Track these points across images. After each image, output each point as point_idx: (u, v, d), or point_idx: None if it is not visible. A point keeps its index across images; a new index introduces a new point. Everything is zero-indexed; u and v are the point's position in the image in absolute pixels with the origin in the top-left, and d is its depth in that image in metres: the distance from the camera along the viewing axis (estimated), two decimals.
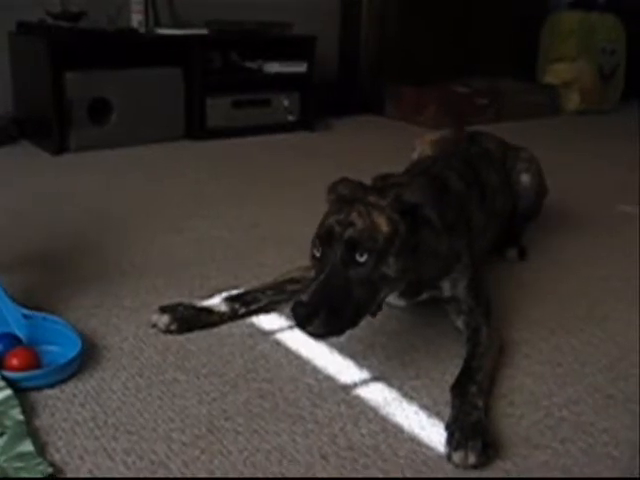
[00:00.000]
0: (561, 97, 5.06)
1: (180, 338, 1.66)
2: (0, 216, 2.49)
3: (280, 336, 1.70)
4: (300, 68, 4.10)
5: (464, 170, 1.93)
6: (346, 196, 1.55)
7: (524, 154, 2.30)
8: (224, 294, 1.82)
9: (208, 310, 1.75)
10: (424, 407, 1.43)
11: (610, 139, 4.29)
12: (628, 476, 1.28)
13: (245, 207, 2.67)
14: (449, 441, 1.31)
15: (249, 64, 4.07)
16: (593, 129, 4.64)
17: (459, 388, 1.43)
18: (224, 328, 1.72)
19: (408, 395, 1.47)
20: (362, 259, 1.43)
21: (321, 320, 1.38)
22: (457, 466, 1.27)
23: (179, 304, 1.75)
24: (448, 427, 1.34)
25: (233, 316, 1.77)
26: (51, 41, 3.33)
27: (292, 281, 1.87)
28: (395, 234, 1.46)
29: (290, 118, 4.12)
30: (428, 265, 1.61)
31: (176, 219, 2.51)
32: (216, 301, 1.79)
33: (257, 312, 1.81)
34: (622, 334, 1.77)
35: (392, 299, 1.63)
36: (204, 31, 3.83)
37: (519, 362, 1.61)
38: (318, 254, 1.47)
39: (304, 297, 1.40)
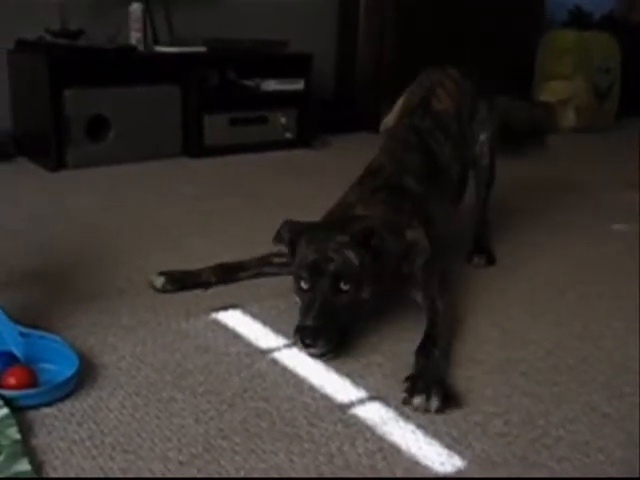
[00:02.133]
0: (557, 115, 5.09)
1: (177, 356, 1.67)
2: None
3: (277, 355, 1.70)
4: (297, 85, 4.12)
5: (418, 165, 2.09)
6: (315, 237, 1.75)
7: (479, 105, 2.38)
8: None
9: (198, 274, 2.07)
10: (421, 426, 1.43)
11: (605, 157, 4.31)
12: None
13: (242, 225, 2.68)
14: (409, 389, 1.49)
15: (246, 82, 4.09)
16: (588, 147, 4.67)
17: (424, 351, 1.63)
18: (220, 346, 1.73)
19: (405, 414, 1.47)
20: (346, 287, 1.69)
21: (324, 340, 1.63)
22: (416, 409, 1.46)
23: (173, 270, 2.07)
24: (410, 378, 1.52)
25: (220, 282, 2.08)
26: (50, 59, 3.35)
27: (278, 255, 2.08)
28: (363, 264, 1.70)
29: (287, 135, 4.14)
30: (390, 269, 1.80)
31: (173, 237, 2.52)
32: (207, 268, 2.10)
33: (245, 279, 2.12)
34: (617, 352, 1.78)
35: None
36: (202, 49, 3.86)
37: (515, 381, 1.62)
38: (306, 286, 1.71)
39: (308, 321, 1.64)
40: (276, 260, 2.12)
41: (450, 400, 1.48)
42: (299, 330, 1.65)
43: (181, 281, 2.03)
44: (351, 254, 1.69)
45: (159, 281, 2.02)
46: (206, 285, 2.06)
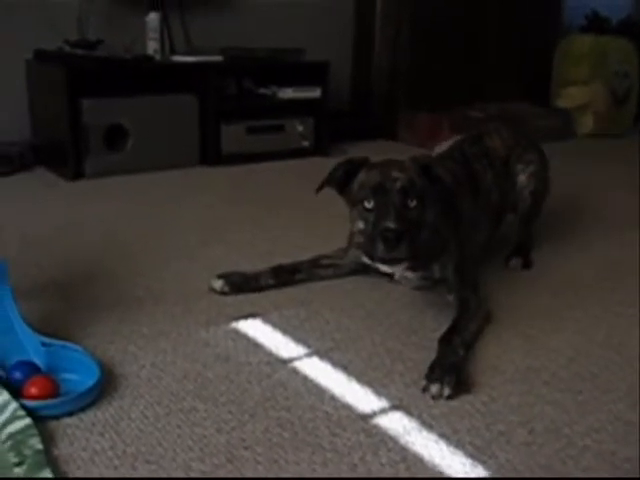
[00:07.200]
0: (574, 121, 5.06)
1: (198, 366, 1.66)
2: (16, 243, 2.50)
3: (298, 364, 1.69)
4: (314, 94, 4.12)
5: (457, 169, 2.18)
6: (376, 165, 1.87)
7: (527, 156, 2.42)
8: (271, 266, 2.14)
9: (256, 278, 2.09)
10: (444, 436, 1.42)
11: (623, 163, 4.28)
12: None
13: (260, 234, 2.67)
14: (428, 375, 1.58)
15: (263, 90, 4.09)
16: (606, 153, 4.63)
17: (445, 339, 1.71)
18: (241, 355, 1.72)
19: (427, 424, 1.46)
20: (412, 204, 1.76)
21: (407, 245, 1.69)
22: (433, 397, 1.53)
23: (233, 272, 2.10)
24: (430, 366, 1.60)
25: (278, 284, 2.10)
26: (68, 68, 3.37)
27: (325, 257, 2.20)
28: (425, 185, 1.81)
29: (304, 144, 4.14)
30: (429, 239, 1.85)
31: (191, 246, 2.52)
32: (263, 270, 2.11)
33: (299, 282, 2.14)
34: None
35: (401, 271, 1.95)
36: (219, 58, 3.86)
37: (539, 390, 1.60)
38: (370, 205, 1.77)
39: (388, 223, 1.69)
40: (324, 262, 2.19)
41: (462, 385, 1.57)
42: (382, 232, 1.69)
43: (239, 285, 2.07)
44: (414, 175, 1.80)
45: (217, 284, 2.06)
46: (264, 289, 2.09)
